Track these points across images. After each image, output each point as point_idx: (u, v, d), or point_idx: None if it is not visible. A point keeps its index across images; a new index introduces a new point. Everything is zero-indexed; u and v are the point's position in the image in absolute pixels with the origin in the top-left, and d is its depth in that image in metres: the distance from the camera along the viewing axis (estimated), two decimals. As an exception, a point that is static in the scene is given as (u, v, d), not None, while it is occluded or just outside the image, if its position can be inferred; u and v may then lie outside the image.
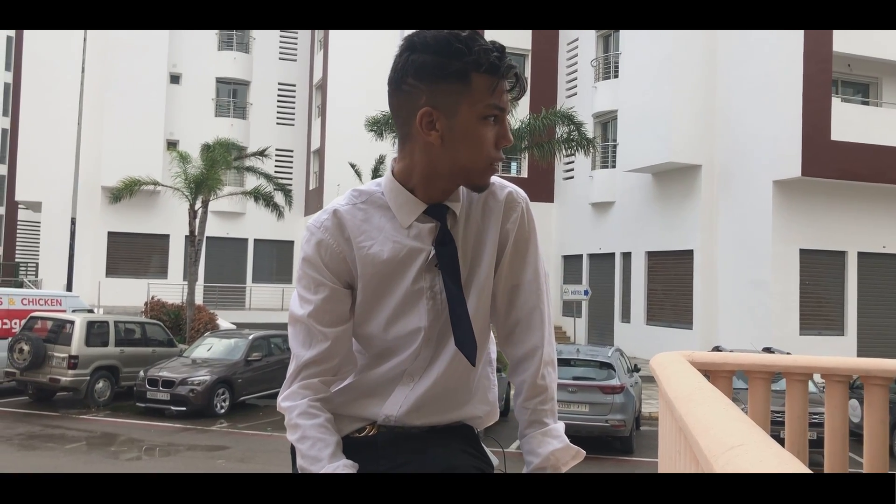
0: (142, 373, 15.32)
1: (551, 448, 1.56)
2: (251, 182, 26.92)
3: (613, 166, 27.36)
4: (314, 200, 33.02)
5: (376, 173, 27.90)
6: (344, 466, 1.46)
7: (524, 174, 30.98)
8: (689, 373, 5.08)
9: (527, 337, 1.59)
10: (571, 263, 30.19)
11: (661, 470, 3.79)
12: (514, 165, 31.31)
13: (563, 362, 14.54)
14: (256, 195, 23.87)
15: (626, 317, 26.51)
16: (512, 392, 1.65)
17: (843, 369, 6.15)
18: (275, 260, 34.07)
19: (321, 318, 1.53)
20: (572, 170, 29.99)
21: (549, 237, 30.99)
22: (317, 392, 1.55)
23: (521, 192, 1.61)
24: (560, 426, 1.61)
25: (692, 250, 23.53)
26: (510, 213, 1.57)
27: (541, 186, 30.60)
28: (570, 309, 26.14)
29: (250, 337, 16.75)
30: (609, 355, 14.60)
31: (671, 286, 24.63)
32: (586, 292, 24.36)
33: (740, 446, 2.46)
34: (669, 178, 24.37)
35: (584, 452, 1.68)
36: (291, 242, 33.99)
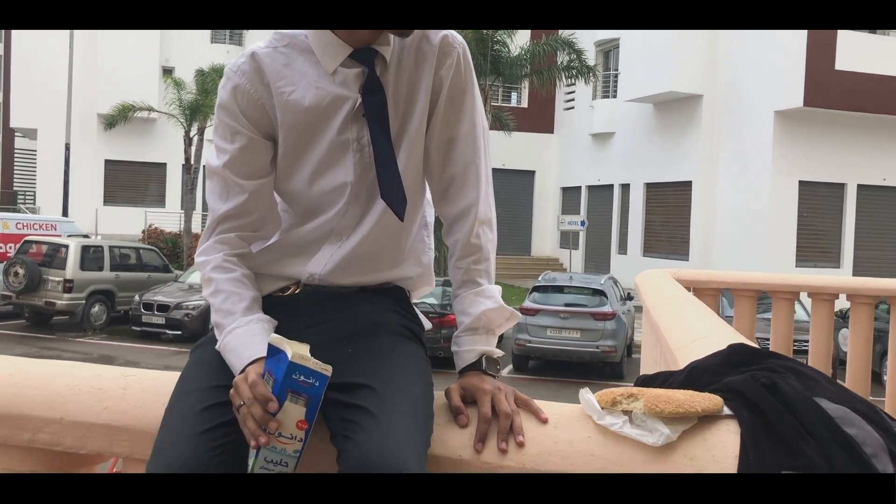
0: (137, 297, 15.39)
1: (483, 307, 1.51)
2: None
3: (614, 96, 26.99)
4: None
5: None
6: (258, 321, 1.40)
7: (524, 104, 30.61)
8: (670, 285, 5.06)
9: (462, 194, 1.52)
10: (570, 195, 30.06)
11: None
12: (514, 95, 30.89)
13: (556, 289, 14.59)
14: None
15: (622, 248, 26.52)
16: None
17: (829, 288, 6.14)
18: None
19: (238, 170, 1.46)
20: (573, 100, 29.61)
21: (549, 169, 30.78)
22: (234, 247, 1.49)
23: (459, 38, 1.50)
24: (495, 288, 1.55)
25: (691, 182, 23.38)
26: (444, 59, 1.47)
27: (541, 117, 30.27)
28: (566, 240, 26.12)
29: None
30: (602, 283, 14.63)
31: (669, 218, 24.56)
32: (583, 223, 24.31)
33: (704, 338, 2.44)
34: (670, 109, 24.06)
35: (521, 316, 1.63)
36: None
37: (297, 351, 1.23)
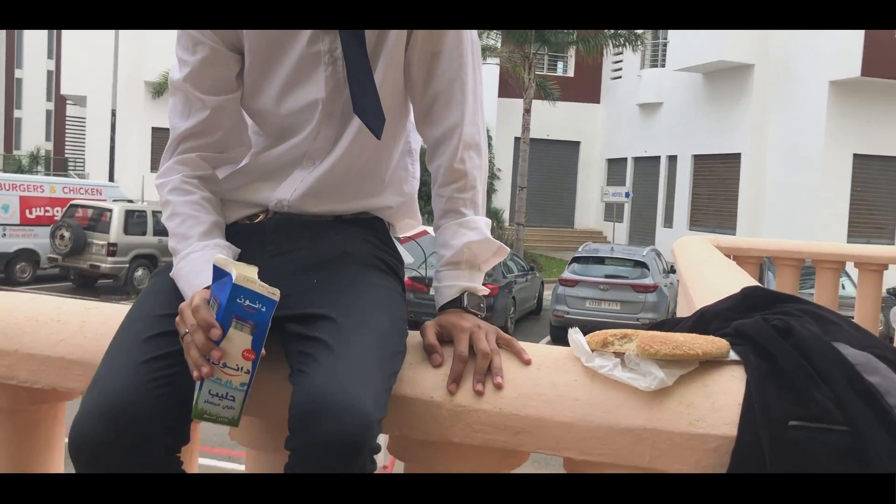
0: (178, 261, 15.54)
1: (466, 240, 1.37)
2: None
3: (663, 65, 26.35)
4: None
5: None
6: (215, 246, 1.29)
7: (570, 73, 30.09)
8: (706, 250, 4.85)
9: (445, 114, 1.38)
10: (615, 167, 29.55)
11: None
12: (560, 64, 30.36)
13: (597, 260, 14.34)
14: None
15: (668, 222, 26.02)
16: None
17: (877, 258, 5.86)
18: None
19: (200, 84, 1.33)
20: (620, 69, 29.00)
21: (594, 139, 30.27)
22: (194, 168, 1.37)
23: None
24: (481, 219, 1.41)
25: (740, 154, 22.78)
26: None
27: (587, 86, 29.72)
28: (610, 212, 25.70)
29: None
30: (644, 255, 14.34)
31: (716, 190, 24.00)
32: (627, 194, 23.89)
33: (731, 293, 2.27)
34: (720, 78, 23.41)
35: (508, 250, 1.49)
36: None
37: (242, 273, 1.12)
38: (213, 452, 6.79)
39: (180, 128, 1.36)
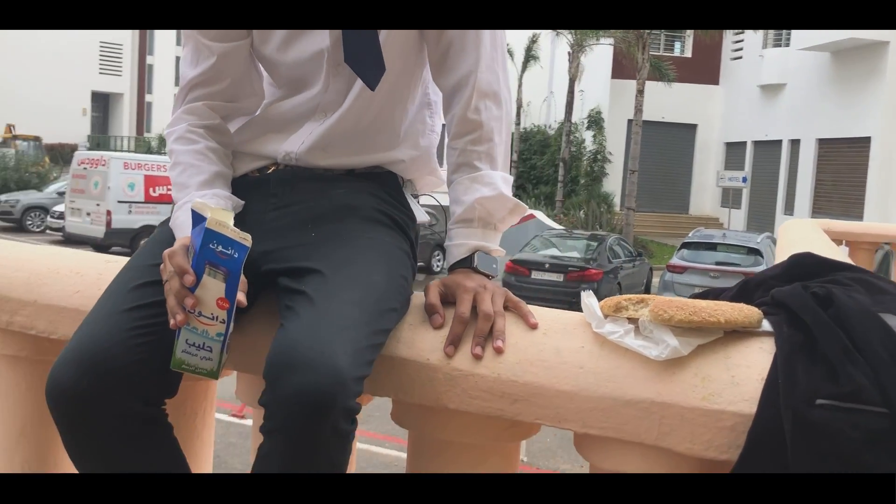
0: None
1: (479, 195, 1.28)
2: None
3: (787, 44, 25.03)
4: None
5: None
6: (214, 196, 1.24)
7: (688, 53, 29.04)
8: (811, 232, 4.54)
9: (460, 60, 1.28)
10: (734, 151, 28.36)
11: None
12: (677, 44, 29.35)
13: (708, 246, 13.82)
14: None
15: (789, 208, 24.79)
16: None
17: None
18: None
19: (207, 31, 1.29)
20: (741, 49, 27.75)
21: (712, 122, 29.15)
22: (201, 118, 1.33)
23: None
24: (497, 174, 1.31)
25: (870, 138, 21.40)
26: None
27: (706, 67, 28.62)
28: (727, 198, 24.72)
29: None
30: (758, 242, 13.72)
31: (842, 177, 22.66)
32: (744, 179, 22.90)
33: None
34: (850, 58, 22.02)
35: (527, 208, 1.38)
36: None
37: (215, 217, 1.07)
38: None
39: (188, 76, 1.34)
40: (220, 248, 1.07)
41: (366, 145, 1.33)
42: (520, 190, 27.60)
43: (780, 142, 25.50)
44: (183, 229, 1.20)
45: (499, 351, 1.13)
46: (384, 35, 1.25)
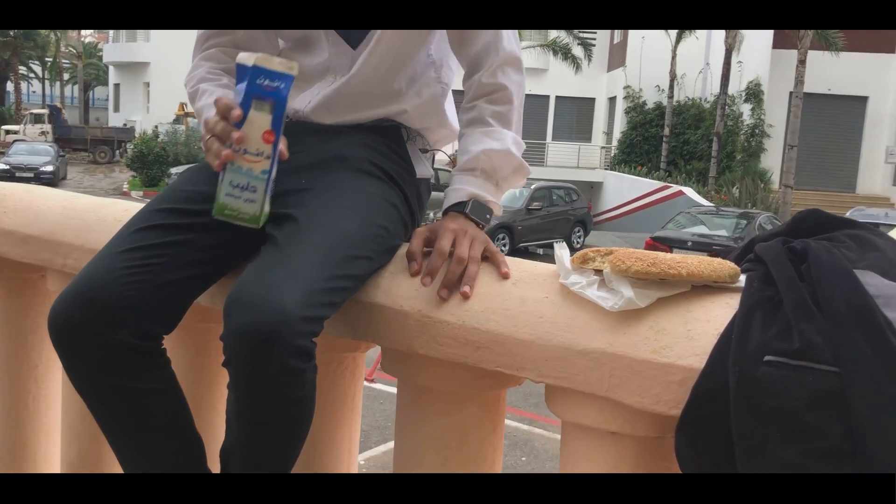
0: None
1: (486, 147, 1.28)
2: (551, 35, 26.53)
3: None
4: (617, 55, 31.74)
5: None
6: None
7: (860, 20, 26.90)
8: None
9: (480, 31, 1.31)
10: (911, 125, 26.10)
11: None
12: (848, 10, 27.23)
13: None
14: (554, 48, 23.42)
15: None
16: None
17: None
18: (575, 117, 33.70)
19: None
20: (923, 13, 25.38)
21: (887, 94, 26.92)
22: (219, 62, 1.41)
23: None
24: (509, 134, 1.31)
25: None
26: None
27: (880, 34, 26.39)
28: (900, 175, 22.85)
29: (532, 186, 16.90)
30: (926, 222, 12.61)
31: None
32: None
33: None
34: None
35: (530, 170, 1.37)
36: (592, 100, 33.32)
37: (260, 55, 1.12)
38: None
39: (204, 29, 1.41)
40: (266, 81, 1.11)
41: (370, 102, 1.36)
42: (671, 166, 26.69)
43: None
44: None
45: (465, 296, 1.14)
46: None
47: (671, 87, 26.67)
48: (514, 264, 1.19)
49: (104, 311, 1.16)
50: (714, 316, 1.00)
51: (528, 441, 6.63)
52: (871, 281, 0.96)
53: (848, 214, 13.70)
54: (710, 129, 26.27)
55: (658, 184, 23.62)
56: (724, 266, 1.05)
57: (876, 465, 0.84)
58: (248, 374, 1.07)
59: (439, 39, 1.41)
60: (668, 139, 26.67)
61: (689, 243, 13.08)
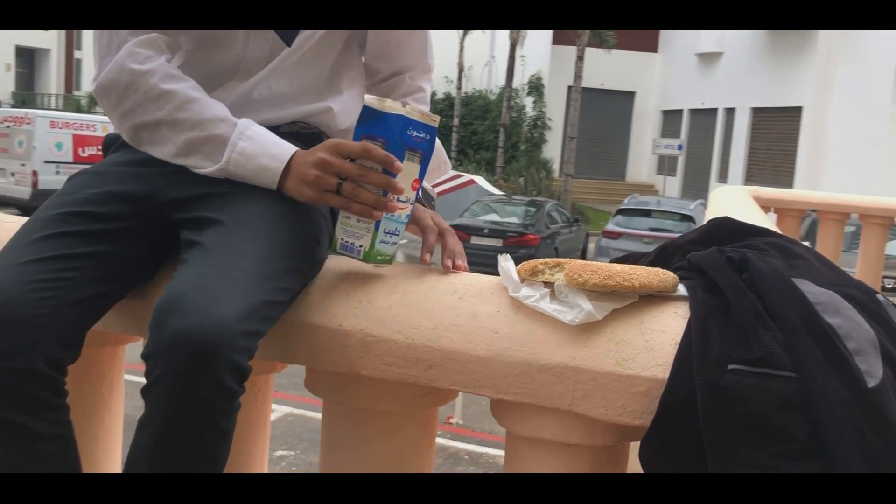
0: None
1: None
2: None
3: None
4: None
5: None
6: (252, 122, 1.17)
7: (627, 21, 29.17)
8: (741, 199, 4.62)
9: (402, 51, 1.35)
10: (671, 119, 28.75)
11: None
12: (617, 12, 29.42)
13: (642, 213, 14.03)
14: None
15: (723, 176, 25.32)
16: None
17: (928, 213, 5.53)
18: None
19: None
20: (680, 18, 28.00)
21: (650, 90, 29.46)
22: (161, 51, 1.19)
23: None
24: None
25: (801, 108, 21.93)
26: None
27: (645, 34, 28.82)
28: (662, 165, 25.10)
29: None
30: (692, 208, 14.00)
31: (774, 145, 23.21)
32: (679, 147, 23.27)
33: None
34: (784, 29, 22.44)
35: (449, 165, 1.37)
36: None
37: (413, 107, 1.12)
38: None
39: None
40: (415, 133, 1.11)
41: (289, 100, 1.27)
42: (461, 155, 27.53)
43: (715, 110, 25.94)
44: (283, 148, 1.15)
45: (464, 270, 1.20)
46: None
47: (459, 78, 27.47)
48: (457, 277, 1.17)
49: (12, 331, 0.99)
50: (668, 326, 1.04)
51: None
52: (808, 289, 1.04)
53: (625, 202, 14.85)
54: (496, 121, 27.39)
55: (451, 172, 24.27)
56: (669, 277, 1.09)
57: (839, 464, 0.90)
58: (183, 392, 0.95)
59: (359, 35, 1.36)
60: (457, 129, 27.47)
61: (486, 230, 13.58)
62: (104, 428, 1.41)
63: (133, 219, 1.16)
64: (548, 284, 1.09)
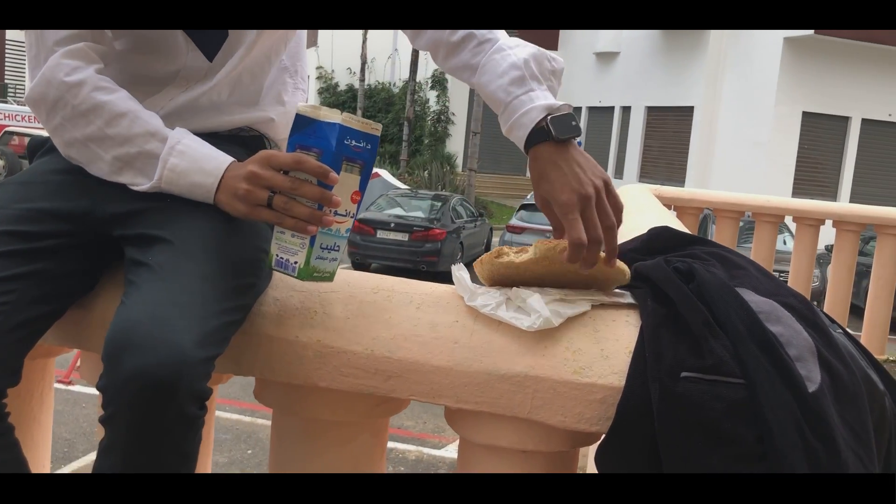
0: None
1: (525, 54, 1.11)
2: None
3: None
4: (310, 34, 31.76)
5: None
6: (187, 132, 1.11)
7: (529, 19, 29.67)
8: (643, 197, 4.79)
9: None
10: (570, 116, 29.40)
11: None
12: (518, 9, 29.87)
13: (536, 207, 14.29)
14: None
15: (619, 173, 26.11)
16: None
17: (815, 213, 5.88)
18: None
19: None
20: (579, 17, 28.69)
21: (550, 87, 29.98)
22: (91, 61, 1.12)
23: None
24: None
25: (693, 107, 22.82)
26: None
27: (546, 33, 29.37)
28: (563, 161, 25.59)
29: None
30: (592, 204, 14.32)
31: (668, 143, 24.07)
32: (580, 143, 23.80)
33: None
34: (677, 30, 23.31)
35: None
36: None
37: (335, 114, 1.04)
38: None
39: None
40: (353, 142, 1.04)
41: (229, 108, 1.24)
42: (363, 148, 27.31)
43: (612, 108, 26.70)
44: (218, 161, 1.09)
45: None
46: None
47: (363, 70, 27.30)
48: (413, 287, 1.17)
49: None
50: (621, 335, 1.07)
51: (252, 433, 6.48)
52: (750, 298, 1.09)
53: (528, 197, 15.08)
54: (399, 114, 27.37)
55: (354, 165, 24.10)
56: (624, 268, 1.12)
57: (785, 464, 0.96)
58: (144, 426, 0.92)
59: (294, 43, 1.33)
60: (360, 122, 27.24)
61: (392, 225, 13.56)
62: (34, 443, 1.35)
63: (69, 235, 1.11)
64: (504, 292, 1.10)
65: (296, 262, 1.06)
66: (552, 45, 29.91)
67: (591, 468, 1.09)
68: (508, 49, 1.14)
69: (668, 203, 5.72)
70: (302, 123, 1.05)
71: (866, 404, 1.05)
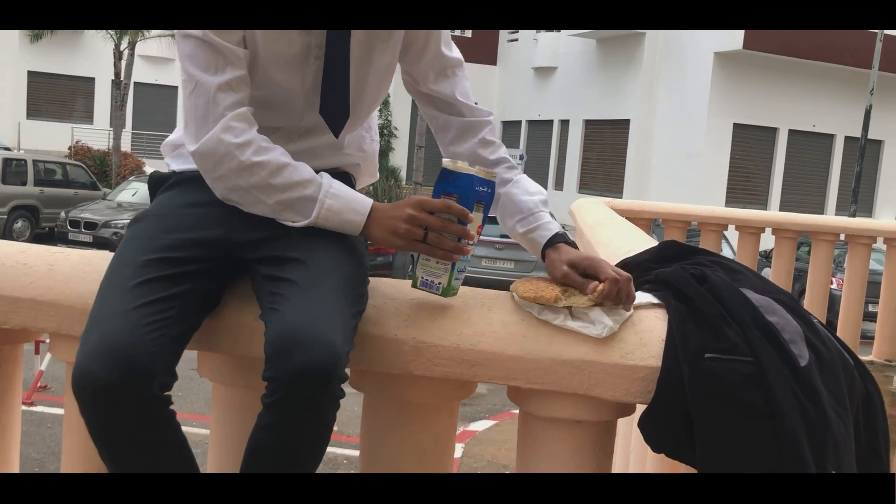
0: (63, 214, 14.89)
1: (543, 196, 1.56)
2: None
3: (559, 30, 26.83)
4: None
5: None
6: (329, 176, 1.37)
7: (468, 33, 30.19)
8: (603, 211, 5.14)
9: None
10: (510, 129, 30.00)
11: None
12: (457, 24, 30.35)
13: (493, 220, 14.59)
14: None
15: (559, 184, 26.73)
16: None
17: (756, 221, 6.33)
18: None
19: (224, 34, 1.31)
20: (517, 32, 29.31)
21: (490, 102, 30.54)
22: (251, 123, 1.35)
23: None
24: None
25: (629, 120, 23.56)
26: None
27: (484, 48, 29.92)
28: (505, 174, 26.09)
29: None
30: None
31: (605, 155, 24.77)
32: (521, 157, 24.36)
33: (638, 248, 2.50)
34: (613, 45, 24.05)
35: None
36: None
37: (470, 166, 1.36)
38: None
39: (218, 81, 1.33)
40: (480, 188, 1.35)
41: (330, 156, 1.52)
42: (306, 163, 27.36)
43: (551, 122, 27.34)
44: (363, 203, 1.36)
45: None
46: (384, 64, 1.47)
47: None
48: (482, 293, 1.44)
49: (138, 368, 1.18)
50: (654, 327, 1.36)
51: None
52: (750, 295, 1.40)
53: (476, 210, 15.42)
54: (342, 128, 27.47)
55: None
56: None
57: (787, 422, 1.26)
58: (308, 407, 1.19)
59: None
60: (303, 136, 27.30)
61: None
62: (3, 425, 1.57)
63: (208, 260, 1.36)
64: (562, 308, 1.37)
65: (440, 283, 1.36)
66: (491, 60, 30.47)
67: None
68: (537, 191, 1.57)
69: (621, 214, 6.09)
70: (446, 175, 1.35)
71: (842, 376, 1.36)
